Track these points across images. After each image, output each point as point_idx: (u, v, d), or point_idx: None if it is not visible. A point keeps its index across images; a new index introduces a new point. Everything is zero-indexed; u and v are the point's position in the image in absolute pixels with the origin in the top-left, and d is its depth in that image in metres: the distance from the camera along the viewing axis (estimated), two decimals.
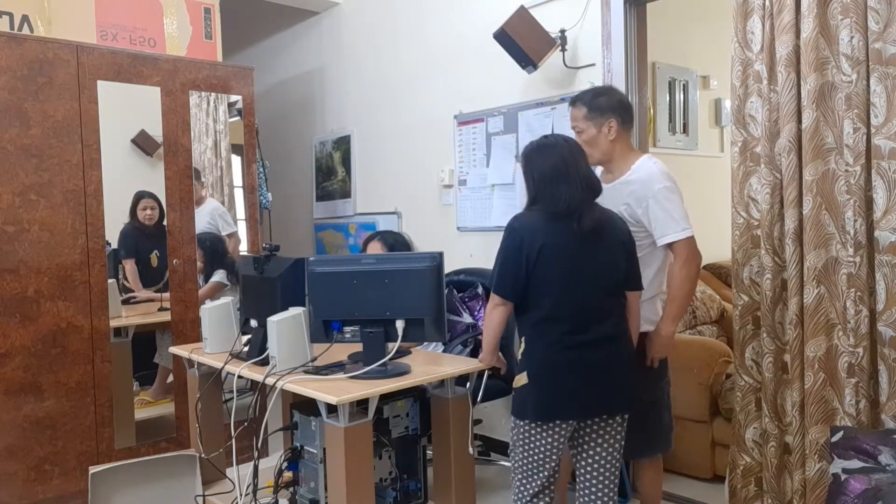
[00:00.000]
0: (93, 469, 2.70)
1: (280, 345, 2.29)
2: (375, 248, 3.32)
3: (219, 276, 3.71)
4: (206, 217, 3.69)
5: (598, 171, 2.47)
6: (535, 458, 2.16)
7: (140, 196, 3.45)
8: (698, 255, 2.35)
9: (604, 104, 2.41)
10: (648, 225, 2.35)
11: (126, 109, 3.40)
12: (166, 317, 3.46)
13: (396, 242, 3.39)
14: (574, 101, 2.48)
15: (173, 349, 3.01)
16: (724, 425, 3.08)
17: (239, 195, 3.88)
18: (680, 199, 2.34)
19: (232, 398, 2.44)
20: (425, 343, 2.81)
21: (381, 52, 4.21)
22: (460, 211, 3.76)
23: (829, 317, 2.40)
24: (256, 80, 3.84)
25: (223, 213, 3.79)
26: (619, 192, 2.38)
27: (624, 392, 2.16)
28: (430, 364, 2.46)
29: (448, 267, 2.92)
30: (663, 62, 4.08)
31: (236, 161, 3.84)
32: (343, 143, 4.51)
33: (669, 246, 2.34)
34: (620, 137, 2.42)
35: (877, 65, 2.24)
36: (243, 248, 3.91)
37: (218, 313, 2.74)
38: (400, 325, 2.23)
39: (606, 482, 2.22)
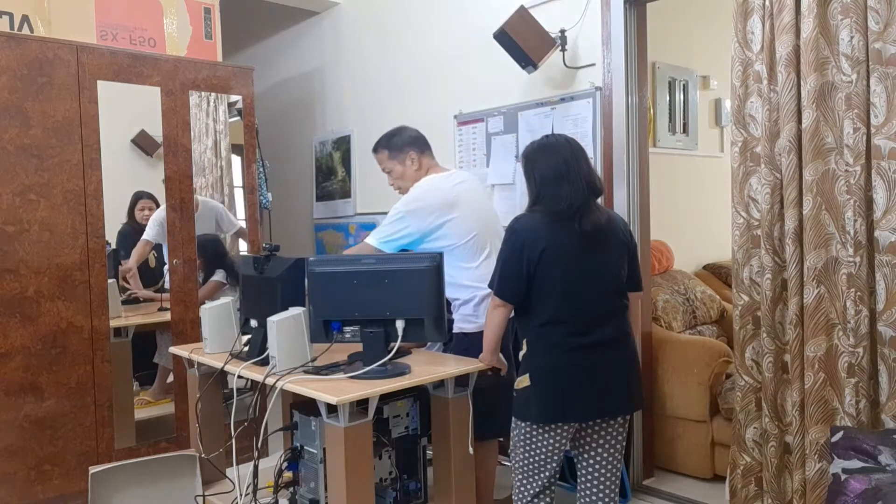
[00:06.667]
0: (93, 469, 2.70)
1: (280, 345, 2.29)
2: None
3: (219, 275, 3.71)
4: (209, 221, 3.67)
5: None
6: (537, 459, 2.16)
7: (139, 196, 3.45)
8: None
9: (399, 142, 2.75)
10: None
11: (126, 109, 3.40)
12: (166, 317, 3.46)
13: None
14: (375, 148, 2.81)
15: (173, 349, 3.00)
16: (724, 425, 3.08)
17: (239, 195, 3.88)
18: (399, 220, 2.58)
19: (232, 398, 2.44)
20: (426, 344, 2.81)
21: (381, 52, 4.21)
22: None
23: (829, 317, 2.40)
24: (256, 80, 3.84)
25: (222, 214, 3.78)
26: None
27: (626, 394, 2.17)
28: (430, 364, 2.45)
29: None
30: (663, 62, 4.08)
31: (236, 161, 3.84)
32: (343, 143, 4.51)
33: None
34: (424, 164, 2.76)
35: (877, 65, 2.24)
36: (243, 248, 3.91)
37: (218, 313, 2.74)
38: (400, 325, 2.23)
39: (607, 482, 2.23)
